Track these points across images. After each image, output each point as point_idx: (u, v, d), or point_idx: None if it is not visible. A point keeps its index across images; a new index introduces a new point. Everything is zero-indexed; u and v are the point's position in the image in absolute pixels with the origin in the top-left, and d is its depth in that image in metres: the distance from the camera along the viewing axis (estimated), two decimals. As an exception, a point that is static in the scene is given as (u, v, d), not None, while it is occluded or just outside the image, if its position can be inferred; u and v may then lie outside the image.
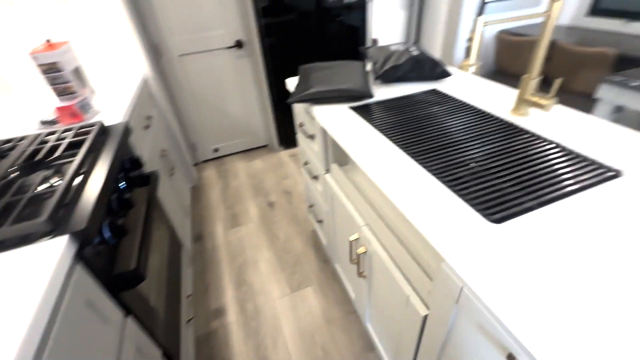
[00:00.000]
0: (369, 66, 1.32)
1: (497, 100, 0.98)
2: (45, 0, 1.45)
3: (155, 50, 1.99)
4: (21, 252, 0.61)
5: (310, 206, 1.57)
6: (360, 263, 1.00)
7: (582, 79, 1.92)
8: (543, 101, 0.78)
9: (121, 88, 1.45)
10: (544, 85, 2.13)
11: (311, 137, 1.18)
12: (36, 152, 0.93)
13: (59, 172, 0.85)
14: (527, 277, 0.45)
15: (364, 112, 0.98)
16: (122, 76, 1.62)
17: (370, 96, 1.02)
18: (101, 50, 1.64)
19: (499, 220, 0.55)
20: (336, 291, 1.47)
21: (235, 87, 2.32)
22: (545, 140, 0.76)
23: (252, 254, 1.70)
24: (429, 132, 0.85)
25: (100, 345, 0.65)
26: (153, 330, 0.89)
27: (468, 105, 0.97)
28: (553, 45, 1.98)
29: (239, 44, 2.13)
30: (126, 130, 1.10)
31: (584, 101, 1.88)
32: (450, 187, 0.64)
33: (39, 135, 1.02)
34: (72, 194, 0.76)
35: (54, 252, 0.60)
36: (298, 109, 1.29)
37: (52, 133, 1.03)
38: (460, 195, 0.62)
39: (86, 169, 0.86)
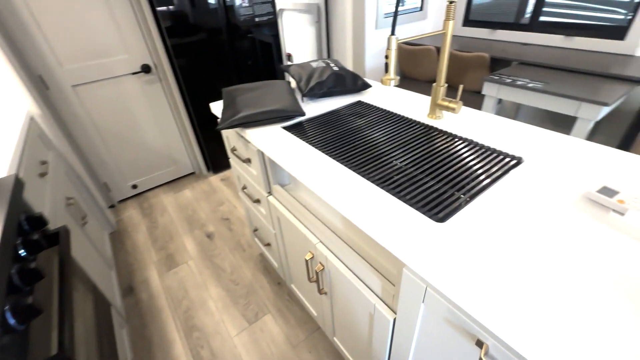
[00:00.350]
0: (293, 83, 1.34)
1: (414, 106, 1.08)
2: None
3: (41, 82, 1.69)
4: None
5: (255, 230, 1.50)
6: (319, 280, 0.99)
7: (469, 79, 2.27)
8: (453, 104, 0.90)
9: (0, 132, 1.19)
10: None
11: (247, 161, 1.14)
12: None
13: None
14: (478, 267, 0.50)
15: (298, 130, 0.99)
16: (-2, 117, 1.33)
17: (302, 114, 1.04)
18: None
19: (442, 219, 0.61)
20: (296, 312, 1.43)
21: (148, 115, 2.11)
22: (461, 138, 0.87)
23: (197, 295, 1.55)
24: (363, 142, 0.90)
25: None
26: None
27: (392, 113, 1.05)
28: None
29: (146, 69, 1.95)
30: (17, 184, 0.90)
31: (474, 97, 2.23)
32: (393, 193, 0.69)
33: None
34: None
35: None
36: (228, 133, 1.23)
37: None
38: (405, 200, 0.66)
39: (-34, 243, 0.67)
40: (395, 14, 0.73)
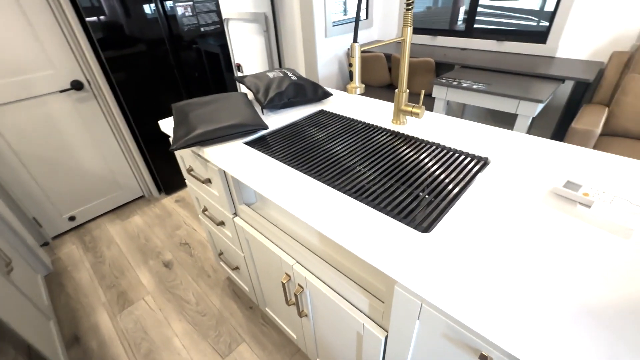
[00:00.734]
0: (250, 95, 1.27)
1: (377, 113, 1.08)
2: None
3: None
4: None
5: (220, 254, 1.39)
6: (299, 303, 0.93)
7: (417, 83, 2.38)
8: (416, 110, 0.90)
9: None
10: (392, 91, 2.55)
11: (207, 181, 1.04)
12: None
13: None
14: (469, 277, 0.48)
15: (262, 145, 0.92)
16: None
17: (265, 127, 0.98)
18: None
19: (427, 229, 0.59)
20: (272, 336, 1.34)
21: (84, 137, 1.87)
22: (428, 142, 0.88)
23: (159, 334, 1.38)
24: (333, 153, 0.86)
25: None
26: None
27: (356, 120, 1.04)
28: (392, 59, 2.38)
29: (77, 85, 1.74)
30: None
31: (426, 100, 2.33)
32: (372, 205, 0.66)
33: None
34: None
35: None
36: (183, 152, 1.12)
37: None
38: (385, 212, 0.64)
39: None
40: (357, 21, 0.71)
